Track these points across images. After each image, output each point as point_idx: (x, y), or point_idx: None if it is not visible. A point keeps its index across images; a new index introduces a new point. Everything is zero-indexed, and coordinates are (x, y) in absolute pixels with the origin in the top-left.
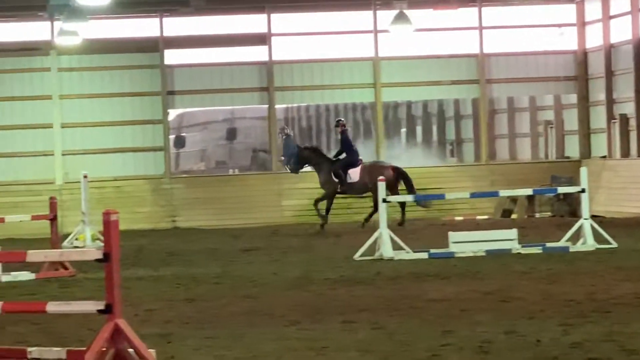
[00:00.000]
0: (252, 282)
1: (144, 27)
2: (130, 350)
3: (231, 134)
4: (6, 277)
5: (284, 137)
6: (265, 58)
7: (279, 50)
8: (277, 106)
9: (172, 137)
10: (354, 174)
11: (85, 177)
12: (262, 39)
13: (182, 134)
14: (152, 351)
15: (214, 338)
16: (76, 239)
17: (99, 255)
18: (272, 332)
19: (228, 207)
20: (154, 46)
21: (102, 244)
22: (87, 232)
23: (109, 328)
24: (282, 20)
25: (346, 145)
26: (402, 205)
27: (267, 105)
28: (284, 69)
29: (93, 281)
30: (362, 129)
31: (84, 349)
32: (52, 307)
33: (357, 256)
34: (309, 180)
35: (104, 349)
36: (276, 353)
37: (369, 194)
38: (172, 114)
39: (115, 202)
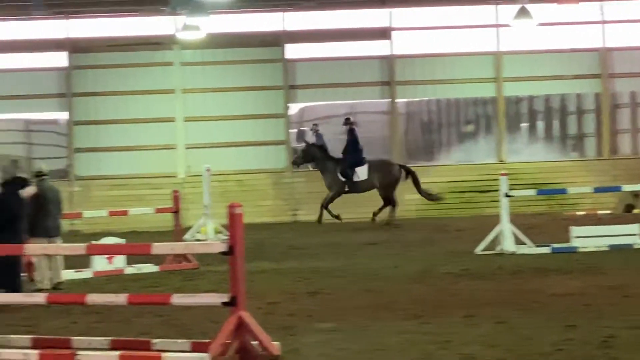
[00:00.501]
0: (374, 276)
1: (266, 21)
2: (254, 342)
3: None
4: (130, 269)
5: (314, 134)
6: (387, 52)
7: (401, 44)
8: (398, 100)
9: (293, 130)
10: (361, 172)
11: (207, 170)
12: (383, 33)
13: (303, 128)
14: (275, 344)
15: (337, 331)
16: (198, 232)
17: (223, 248)
18: (394, 325)
19: (349, 200)
20: (276, 40)
21: (225, 237)
22: (209, 225)
23: (234, 320)
24: (404, 15)
25: (354, 144)
26: (394, 203)
27: (388, 100)
28: (405, 63)
29: (216, 274)
30: (483, 123)
31: (208, 340)
32: (177, 299)
33: (478, 250)
34: (432, 175)
35: (228, 341)
36: (399, 346)
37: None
38: (294, 107)
39: (237, 195)
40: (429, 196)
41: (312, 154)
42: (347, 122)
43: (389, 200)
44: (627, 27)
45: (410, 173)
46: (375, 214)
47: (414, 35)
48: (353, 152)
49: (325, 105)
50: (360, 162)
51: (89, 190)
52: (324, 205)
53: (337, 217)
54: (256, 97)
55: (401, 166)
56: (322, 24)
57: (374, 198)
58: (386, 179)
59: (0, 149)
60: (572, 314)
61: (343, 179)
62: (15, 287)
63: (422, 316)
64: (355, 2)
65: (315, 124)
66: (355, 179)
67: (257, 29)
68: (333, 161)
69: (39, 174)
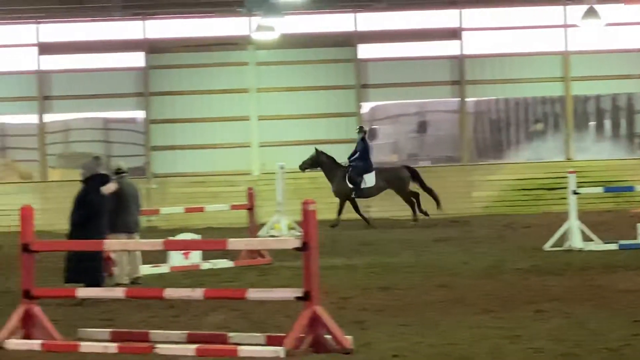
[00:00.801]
0: (445, 271)
1: (338, 22)
2: (328, 336)
3: (422, 127)
4: (206, 265)
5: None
6: (457, 52)
7: (470, 44)
8: (467, 99)
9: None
10: (370, 179)
11: (281, 168)
12: (453, 34)
13: (375, 127)
14: (348, 338)
15: (409, 325)
16: (272, 228)
17: (297, 244)
18: (465, 320)
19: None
20: (348, 41)
21: (299, 233)
22: (283, 222)
23: (307, 315)
24: (473, 15)
25: (365, 152)
26: (418, 200)
27: (458, 99)
28: (475, 63)
29: (289, 269)
30: (551, 122)
31: (283, 334)
32: (253, 294)
33: (547, 247)
34: (500, 172)
35: (302, 335)
36: (470, 340)
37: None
38: (366, 106)
39: (310, 192)
40: (431, 192)
41: (319, 160)
42: (361, 130)
43: (410, 200)
44: None
45: (414, 173)
46: (422, 212)
47: (483, 35)
48: (363, 159)
49: (396, 104)
50: (369, 169)
51: (165, 187)
52: (347, 210)
53: (337, 221)
54: (328, 96)
55: (405, 167)
56: (394, 24)
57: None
58: (395, 183)
59: (80, 147)
60: None
61: (351, 186)
62: (97, 282)
63: (493, 311)
64: (426, 3)
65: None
66: (363, 185)
67: (330, 30)
68: (340, 168)
69: (119, 171)
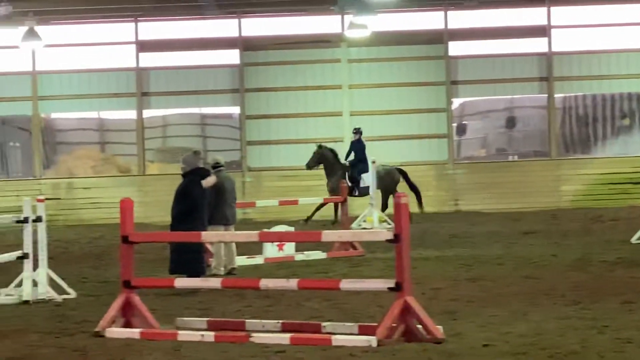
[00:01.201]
0: (533, 263)
1: (429, 20)
2: (419, 326)
3: (511, 122)
4: (300, 256)
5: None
6: (545, 49)
7: (559, 41)
8: (556, 95)
9: (454, 125)
10: (367, 179)
11: (373, 162)
12: (542, 31)
13: (464, 122)
14: (439, 327)
15: (498, 316)
16: (364, 221)
17: (389, 236)
18: (553, 311)
19: (508, 191)
20: (438, 38)
21: (390, 226)
22: (375, 215)
23: (399, 305)
24: (561, 13)
25: (363, 152)
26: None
27: (546, 95)
28: (563, 59)
29: (381, 261)
30: (638, 117)
31: (375, 324)
32: (346, 284)
33: (634, 239)
34: (588, 166)
35: (394, 324)
36: (558, 331)
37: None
38: (455, 102)
39: (401, 186)
40: (417, 192)
41: (324, 156)
42: (357, 131)
43: (386, 204)
44: None
45: (403, 173)
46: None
47: (571, 32)
48: (361, 159)
49: (485, 100)
50: (366, 169)
51: (260, 181)
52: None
53: (309, 219)
54: (419, 93)
55: (397, 169)
56: (483, 22)
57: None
58: (390, 184)
59: (177, 141)
60: None
61: (350, 184)
62: (198, 273)
63: (581, 302)
64: (514, 1)
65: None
66: (362, 184)
67: (420, 27)
68: (341, 166)
69: (217, 165)
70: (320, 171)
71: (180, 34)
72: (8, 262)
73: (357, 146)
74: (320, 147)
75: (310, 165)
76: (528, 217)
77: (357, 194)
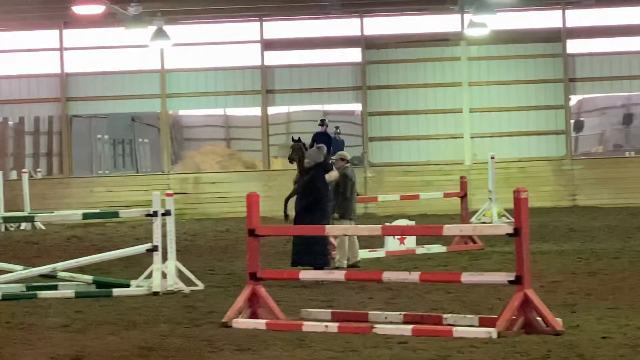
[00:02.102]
0: None
1: (547, 18)
2: (538, 318)
3: (628, 119)
4: (420, 250)
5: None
6: None
7: None
8: None
9: (572, 121)
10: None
11: (492, 158)
12: None
13: (581, 119)
14: (558, 320)
15: (616, 309)
16: (483, 215)
17: (509, 230)
18: None
19: (625, 187)
20: (556, 36)
21: (509, 220)
22: (494, 209)
23: (519, 298)
24: None
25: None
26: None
27: None
28: None
29: (500, 254)
30: None
31: (495, 316)
32: (466, 277)
33: None
34: None
35: (514, 317)
36: None
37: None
38: (573, 99)
39: (519, 181)
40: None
41: (301, 151)
42: (323, 123)
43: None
44: None
45: None
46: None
47: None
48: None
49: (602, 97)
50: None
51: (382, 176)
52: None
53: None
54: (537, 90)
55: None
56: (601, 20)
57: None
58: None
59: (303, 137)
60: None
61: None
62: (322, 265)
63: None
64: None
65: (337, 127)
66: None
67: (539, 26)
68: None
69: (344, 160)
70: (443, 166)
71: (304, 33)
72: (138, 254)
73: (335, 142)
74: (297, 140)
75: (292, 159)
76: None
77: None
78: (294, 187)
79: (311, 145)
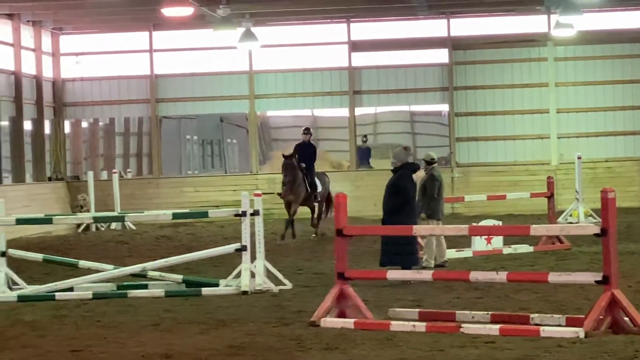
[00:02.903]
0: None
1: (634, 18)
2: (626, 318)
3: None
4: (507, 250)
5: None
6: None
7: None
8: None
9: None
10: (319, 183)
11: (579, 158)
12: None
13: None
14: None
15: None
16: (570, 215)
17: (597, 230)
18: None
19: None
20: None
21: (596, 220)
22: (581, 209)
23: (606, 298)
24: None
25: (315, 156)
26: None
27: None
28: None
29: (587, 254)
30: None
31: (582, 316)
32: (553, 277)
33: None
34: None
35: (601, 317)
36: None
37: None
38: None
39: (606, 181)
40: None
41: (294, 169)
42: (308, 132)
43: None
44: None
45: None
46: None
47: None
48: (312, 164)
49: None
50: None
51: (468, 176)
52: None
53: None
54: (624, 90)
55: (324, 173)
56: None
57: None
58: (328, 189)
59: (388, 138)
60: None
61: (309, 190)
62: (410, 265)
63: None
64: None
65: (365, 135)
66: (318, 190)
67: (625, 26)
68: (301, 171)
69: (432, 161)
70: (529, 166)
71: (391, 34)
72: (227, 253)
73: (312, 149)
74: (288, 156)
75: (285, 179)
76: None
77: (318, 199)
78: (292, 209)
79: (306, 157)
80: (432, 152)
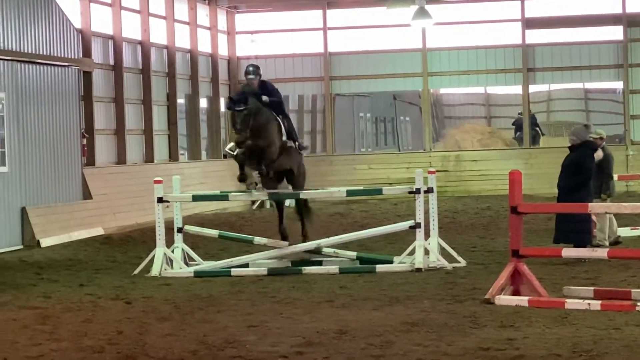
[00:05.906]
0: None
1: None
2: None
3: None
4: None
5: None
6: None
7: None
8: None
9: None
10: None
11: None
12: None
13: None
14: None
15: None
16: None
17: None
18: None
19: None
20: None
21: None
22: None
23: None
24: None
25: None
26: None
27: None
28: None
29: None
30: None
31: None
32: None
33: None
34: None
35: None
36: None
37: None
38: None
39: None
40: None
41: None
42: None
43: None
44: None
45: None
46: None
47: None
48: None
49: None
50: None
51: None
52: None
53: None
54: None
55: None
56: None
57: None
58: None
59: (561, 116)
60: None
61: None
62: (585, 243)
63: None
64: None
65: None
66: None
67: None
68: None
69: (600, 139)
70: None
71: (565, 11)
72: (401, 231)
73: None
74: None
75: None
76: None
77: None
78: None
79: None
80: (601, 130)
